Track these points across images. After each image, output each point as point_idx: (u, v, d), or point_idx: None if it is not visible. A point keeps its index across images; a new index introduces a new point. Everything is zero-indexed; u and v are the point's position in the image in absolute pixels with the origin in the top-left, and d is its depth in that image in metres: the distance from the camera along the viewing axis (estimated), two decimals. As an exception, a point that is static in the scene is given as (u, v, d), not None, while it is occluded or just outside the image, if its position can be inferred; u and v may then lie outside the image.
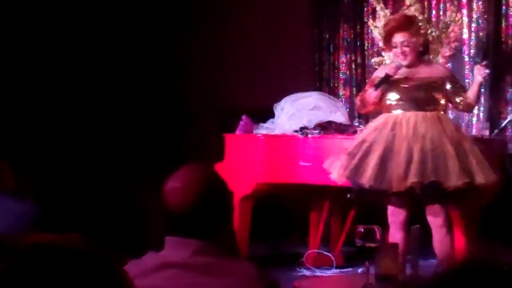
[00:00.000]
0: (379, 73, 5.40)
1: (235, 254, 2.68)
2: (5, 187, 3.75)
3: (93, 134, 7.85)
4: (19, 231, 3.37)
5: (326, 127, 6.19)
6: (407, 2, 6.08)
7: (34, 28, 7.72)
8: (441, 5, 7.00)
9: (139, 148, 7.95)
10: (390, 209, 5.20)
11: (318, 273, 6.28)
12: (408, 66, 5.27)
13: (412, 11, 5.99)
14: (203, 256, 2.44)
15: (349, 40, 7.58)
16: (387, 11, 6.20)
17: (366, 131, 5.37)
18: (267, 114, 6.53)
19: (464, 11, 6.83)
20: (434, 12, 7.03)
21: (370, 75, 7.45)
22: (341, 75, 7.63)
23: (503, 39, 6.81)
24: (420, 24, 5.63)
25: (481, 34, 6.93)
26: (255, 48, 7.86)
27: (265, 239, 7.03)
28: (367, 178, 5.07)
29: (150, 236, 5.33)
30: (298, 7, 7.81)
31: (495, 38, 6.72)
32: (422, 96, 5.24)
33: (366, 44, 7.47)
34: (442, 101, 5.28)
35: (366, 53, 7.45)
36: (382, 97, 5.31)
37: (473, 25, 6.95)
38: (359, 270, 5.74)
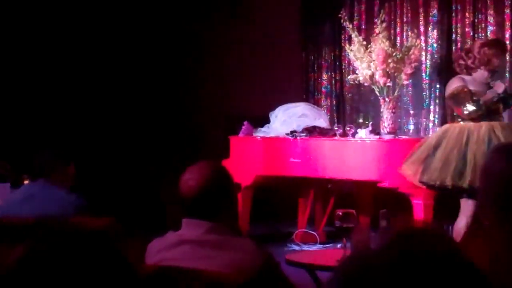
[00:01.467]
0: (472, 87, 5.03)
1: (238, 233, 2.67)
2: (67, 182, 3.78)
3: (131, 139, 7.86)
4: (67, 216, 3.40)
5: (312, 130, 6.20)
6: (377, 31, 6.07)
7: (65, 44, 7.53)
8: (404, 33, 7.02)
9: (163, 149, 7.95)
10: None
11: (305, 248, 6.29)
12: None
13: (381, 37, 5.99)
14: (213, 234, 2.44)
15: (329, 61, 7.59)
16: (360, 38, 6.20)
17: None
18: (264, 120, 6.53)
19: (422, 38, 6.85)
20: (398, 38, 7.05)
21: (346, 89, 7.50)
22: (323, 89, 7.64)
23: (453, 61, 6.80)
24: None
25: (436, 56, 6.94)
26: (255, 67, 7.87)
27: (262, 220, 7.01)
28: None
29: (171, 219, 5.34)
30: (289, 35, 7.83)
31: (447, 60, 6.73)
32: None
33: (344, 64, 7.48)
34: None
35: (344, 71, 7.46)
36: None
37: (429, 49, 6.96)
38: (338, 246, 5.73)
